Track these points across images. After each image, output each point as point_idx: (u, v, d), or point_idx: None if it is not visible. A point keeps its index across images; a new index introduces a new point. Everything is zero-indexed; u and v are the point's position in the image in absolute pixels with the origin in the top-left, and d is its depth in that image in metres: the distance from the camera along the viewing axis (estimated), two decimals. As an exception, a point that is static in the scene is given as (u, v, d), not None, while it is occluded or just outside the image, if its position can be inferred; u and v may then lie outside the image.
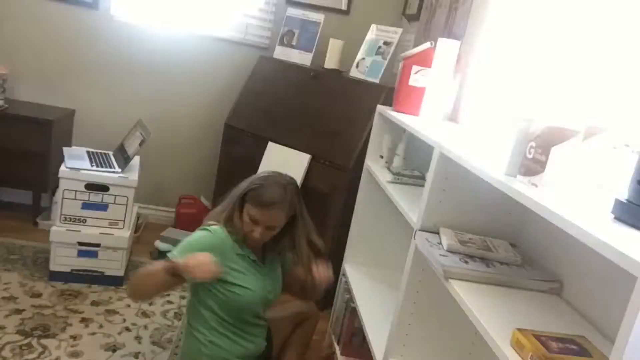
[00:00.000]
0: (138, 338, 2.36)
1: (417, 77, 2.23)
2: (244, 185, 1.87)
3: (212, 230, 1.82)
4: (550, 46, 1.73)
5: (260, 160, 3.06)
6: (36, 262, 2.83)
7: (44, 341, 2.22)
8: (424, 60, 2.20)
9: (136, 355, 2.25)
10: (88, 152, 2.94)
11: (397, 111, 2.34)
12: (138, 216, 3.26)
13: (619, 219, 0.98)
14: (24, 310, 2.40)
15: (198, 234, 1.83)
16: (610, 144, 1.26)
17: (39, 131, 3.09)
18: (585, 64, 1.52)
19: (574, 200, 1.11)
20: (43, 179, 3.16)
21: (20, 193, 3.45)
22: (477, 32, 2.31)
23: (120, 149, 2.96)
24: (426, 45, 2.23)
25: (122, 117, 3.56)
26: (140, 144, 2.77)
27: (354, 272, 2.53)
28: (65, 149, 2.90)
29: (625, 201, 0.98)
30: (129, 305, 2.60)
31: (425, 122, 2.09)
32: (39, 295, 2.54)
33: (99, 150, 3.02)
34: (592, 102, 1.46)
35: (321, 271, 1.91)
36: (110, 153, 3.00)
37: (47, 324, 2.33)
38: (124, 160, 2.83)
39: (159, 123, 3.57)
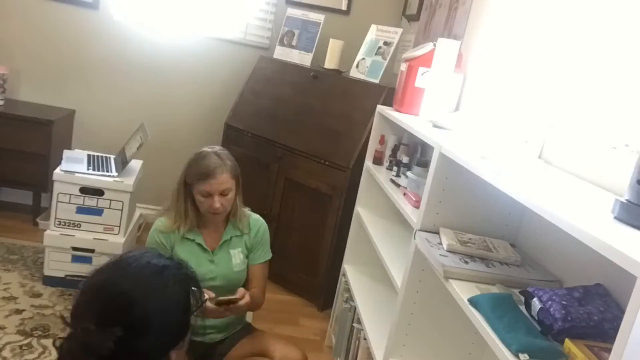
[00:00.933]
0: (138, 338, 2.36)
1: (424, 79, 2.23)
2: (180, 176, 1.98)
3: (156, 227, 1.96)
4: (550, 45, 1.73)
5: (260, 160, 3.06)
6: (36, 262, 2.83)
7: (44, 341, 2.22)
8: (430, 61, 2.21)
9: (136, 355, 2.25)
10: (89, 155, 2.92)
11: (399, 111, 2.34)
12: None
13: (619, 219, 0.99)
14: (24, 310, 2.40)
15: (150, 237, 1.97)
16: (610, 143, 1.26)
17: (39, 131, 3.09)
18: (586, 62, 1.52)
19: (573, 199, 1.11)
20: (43, 179, 3.16)
21: (20, 193, 3.46)
22: (477, 32, 2.31)
23: (121, 153, 2.96)
24: (430, 46, 2.23)
25: (122, 117, 3.56)
26: (138, 148, 2.76)
27: (354, 272, 2.53)
28: (66, 152, 2.87)
29: (625, 201, 0.98)
30: (129, 306, 2.59)
31: (425, 121, 2.09)
32: (39, 295, 2.54)
33: (101, 154, 3.00)
34: (593, 102, 1.46)
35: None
36: (112, 157, 2.98)
37: (47, 324, 2.33)
38: (121, 164, 2.81)
39: (159, 123, 3.58)
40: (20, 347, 2.16)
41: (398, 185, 2.10)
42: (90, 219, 2.65)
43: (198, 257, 1.95)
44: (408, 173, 2.01)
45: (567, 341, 1.04)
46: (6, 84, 3.23)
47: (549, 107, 1.66)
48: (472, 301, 1.23)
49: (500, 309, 1.17)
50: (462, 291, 1.28)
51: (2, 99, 3.17)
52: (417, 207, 1.73)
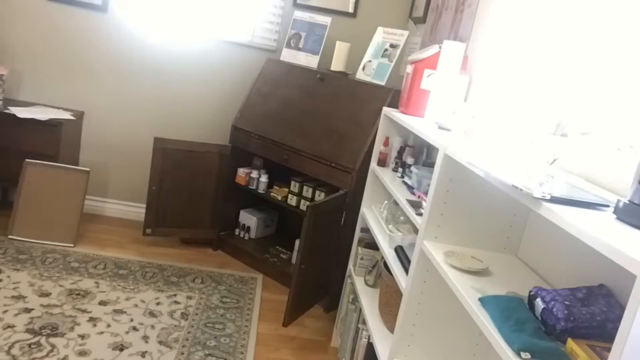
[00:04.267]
0: (145, 337, 2.38)
1: (429, 81, 2.24)
2: None
3: None
4: (556, 47, 1.73)
5: (267, 162, 3.07)
6: (45, 261, 2.86)
7: (52, 340, 2.24)
8: (436, 63, 2.21)
9: (143, 354, 2.27)
10: None
11: (404, 113, 2.35)
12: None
13: (621, 219, 0.99)
14: (33, 309, 2.43)
15: None
16: (614, 145, 1.26)
17: (49, 133, 3.12)
18: (591, 64, 1.53)
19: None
20: (52, 179, 3.19)
21: (29, 194, 3.49)
22: (482, 35, 2.32)
23: None
24: (435, 49, 2.24)
25: (130, 119, 3.59)
26: None
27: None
28: None
29: (627, 202, 0.98)
30: (136, 305, 2.62)
31: (430, 123, 2.10)
32: (47, 295, 2.56)
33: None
34: (598, 104, 1.47)
35: None
36: None
37: (56, 323, 2.36)
38: None
39: (167, 124, 3.61)
40: (29, 345, 2.18)
41: (409, 187, 2.11)
42: None
43: None
44: (412, 168, 2.01)
45: (569, 341, 1.04)
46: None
47: (554, 109, 1.67)
48: (483, 302, 1.24)
49: (509, 310, 1.18)
50: (467, 291, 1.29)
51: (1, 99, 3.20)
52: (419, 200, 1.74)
